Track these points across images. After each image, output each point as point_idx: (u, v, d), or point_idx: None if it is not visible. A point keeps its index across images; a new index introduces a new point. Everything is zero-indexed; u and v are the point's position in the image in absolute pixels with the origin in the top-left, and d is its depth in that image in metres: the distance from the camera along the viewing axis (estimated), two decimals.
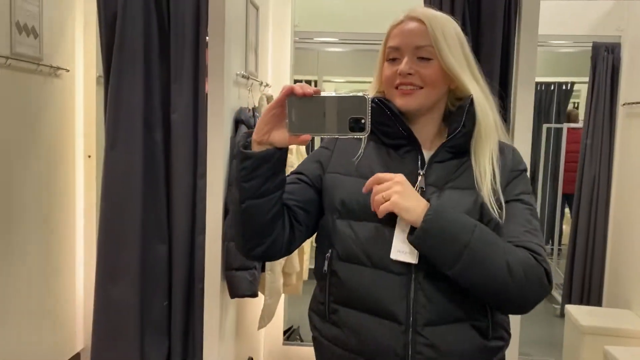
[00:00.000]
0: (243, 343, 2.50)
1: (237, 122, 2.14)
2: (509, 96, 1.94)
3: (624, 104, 3.21)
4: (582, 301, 3.41)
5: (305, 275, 2.91)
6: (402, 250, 1.05)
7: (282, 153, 1.03)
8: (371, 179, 1.04)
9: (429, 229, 1.00)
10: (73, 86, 2.86)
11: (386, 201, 1.01)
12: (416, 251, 1.04)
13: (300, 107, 0.97)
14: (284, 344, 3.00)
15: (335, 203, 1.13)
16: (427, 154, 1.14)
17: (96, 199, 2.97)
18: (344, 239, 1.11)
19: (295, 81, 4.02)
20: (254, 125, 2.18)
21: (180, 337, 2.01)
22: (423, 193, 1.09)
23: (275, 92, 2.71)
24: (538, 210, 4.27)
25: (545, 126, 4.55)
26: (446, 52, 1.08)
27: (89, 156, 2.89)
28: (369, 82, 1.21)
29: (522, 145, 1.94)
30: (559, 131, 4.39)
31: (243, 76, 2.18)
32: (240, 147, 1.03)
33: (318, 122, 0.97)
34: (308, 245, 2.96)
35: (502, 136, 1.17)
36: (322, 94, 0.97)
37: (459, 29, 1.13)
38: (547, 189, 4.54)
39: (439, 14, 1.12)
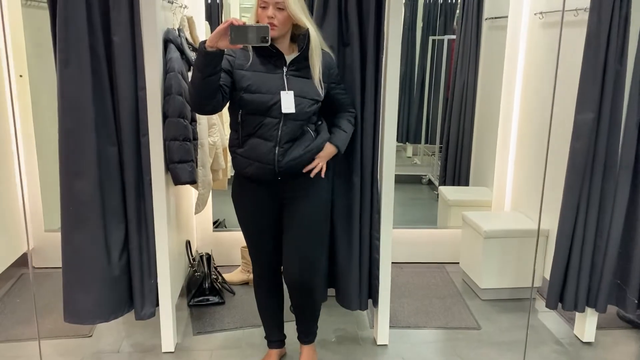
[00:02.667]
0: (182, 229, 2.98)
1: (166, 42, 2.45)
2: (383, 14, 2.39)
3: (486, 19, 3.84)
4: (454, 184, 4.14)
5: (229, 173, 3.38)
6: (287, 107, 2.06)
7: (223, 52, 1.93)
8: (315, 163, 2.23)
9: (341, 150, 2.29)
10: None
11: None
12: (293, 106, 2.06)
13: (236, 30, 1.86)
14: (213, 230, 3.53)
15: (243, 86, 2.06)
16: (288, 59, 2.10)
17: (33, 114, 3.21)
18: (249, 103, 2.06)
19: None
20: (181, 43, 2.56)
21: (135, 222, 2.40)
22: (288, 78, 2.08)
23: (193, 12, 3.08)
24: (426, 113, 4.91)
25: (431, 38, 5.14)
26: (291, 6, 1.99)
27: (21, 75, 3.10)
28: None
29: (393, 57, 2.41)
30: (442, 42, 5.00)
31: (168, 1, 2.51)
32: (202, 49, 1.89)
33: (245, 37, 1.87)
34: None
35: (325, 48, 2.19)
36: (247, 24, 1.88)
37: None
38: (432, 95, 5.21)
39: None
